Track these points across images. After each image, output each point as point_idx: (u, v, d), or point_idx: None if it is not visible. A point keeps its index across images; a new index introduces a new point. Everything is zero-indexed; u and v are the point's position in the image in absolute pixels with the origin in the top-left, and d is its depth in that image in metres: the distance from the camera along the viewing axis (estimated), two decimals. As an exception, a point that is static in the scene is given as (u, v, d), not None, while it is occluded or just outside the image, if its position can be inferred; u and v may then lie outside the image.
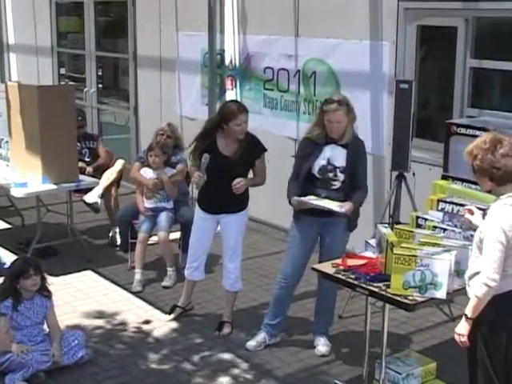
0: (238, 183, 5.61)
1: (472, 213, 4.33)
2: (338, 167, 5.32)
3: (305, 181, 5.40)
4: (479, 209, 4.57)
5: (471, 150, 3.98)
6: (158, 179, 7.09)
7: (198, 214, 5.96)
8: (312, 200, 5.28)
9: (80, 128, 8.13)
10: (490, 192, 4.14)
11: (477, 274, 3.95)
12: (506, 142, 3.93)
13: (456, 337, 4.01)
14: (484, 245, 3.89)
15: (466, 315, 3.95)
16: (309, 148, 5.43)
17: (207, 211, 5.89)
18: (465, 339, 3.97)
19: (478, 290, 3.86)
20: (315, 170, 5.36)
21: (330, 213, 5.25)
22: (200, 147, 5.79)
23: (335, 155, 5.34)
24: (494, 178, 3.92)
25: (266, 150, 5.85)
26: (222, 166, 5.65)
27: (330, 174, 5.34)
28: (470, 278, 4.03)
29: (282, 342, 5.78)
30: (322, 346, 5.62)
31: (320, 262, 5.31)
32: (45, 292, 5.40)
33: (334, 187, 5.35)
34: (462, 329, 3.97)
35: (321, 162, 5.35)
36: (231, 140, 5.71)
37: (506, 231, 3.83)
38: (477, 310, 3.90)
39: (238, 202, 5.75)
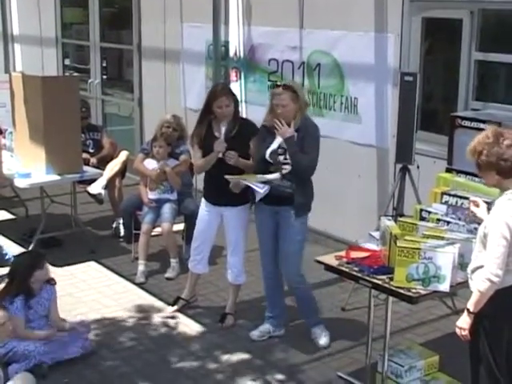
0: (230, 153, 5.57)
1: (477, 205, 4.32)
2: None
3: (260, 167, 5.42)
4: (484, 202, 4.57)
5: (474, 147, 3.97)
6: (161, 170, 7.08)
7: (203, 206, 5.98)
8: (243, 179, 5.38)
9: (84, 119, 8.13)
10: (494, 187, 4.12)
11: (479, 268, 3.95)
12: (508, 134, 3.95)
13: (457, 330, 4.02)
14: (488, 240, 3.89)
15: (467, 309, 3.96)
16: (263, 135, 5.48)
17: (210, 201, 5.89)
18: (466, 333, 3.98)
19: (480, 285, 3.86)
20: (267, 154, 5.38)
21: (279, 201, 5.32)
22: (197, 133, 5.82)
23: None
24: (502, 170, 3.90)
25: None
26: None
27: (281, 158, 5.33)
28: (473, 271, 4.04)
29: (286, 333, 5.79)
30: (320, 337, 5.63)
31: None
32: (50, 280, 5.43)
33: (285, 171, 5.31)
34: (464, 323, 3.98)
35: (273, 146, 5.37)
36: (224, 123, 5.74)
37: (510, 226, 3.82)
38: (479, 304, 3.90)
39: (240, 193, 5.74)
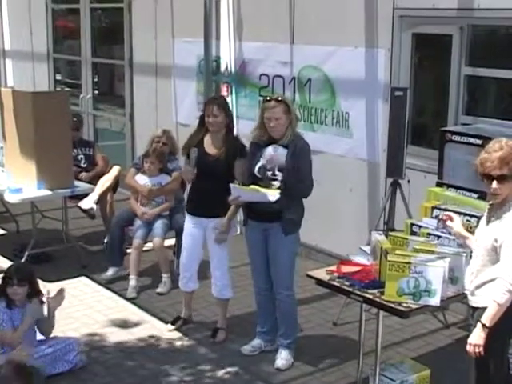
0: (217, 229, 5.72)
1: (452, 219, 4.34)
2: (277, 166, 5.32)
3: (248, 182, 5.41)
4: (474, 216, 4.59)
5: (505, 156, 3.87)
6: (153, 189, 7.12)
7: (187, 220, 5.97)
8: (244, 190, 5.34)
9: (75, 130, 8.17)
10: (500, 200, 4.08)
11: (488, 282, 3.93)
12: None
13: (470, 348, 3.94)
14: (503, 251, 3.85)
15: (483, 324, 3.88)
16: (253, 150, 5.48)
17: (194, 214, 5.88)
18: (481, 349, 3.90)
19: (500, 298, 3.82)
20: (255, 170, 5.38)
21: (268, 217, 5.30)
22: (188, 145, 5.85)
23: (275, 155, 5.34)
24: None
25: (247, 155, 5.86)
26: (204, 164, 5.67)
27: (269, 173, 5.33)
28: (479, 287, 4.00)
29: (277, 348, 5.77)
30: (280, 359, 5.54)
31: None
32: (35, 302, 5.38)
33: (274, 187, 5.29)
34: (479, 339, 3.90)
35: (261, 161, 5.38)
36: (215, 138, 5.75)
37: None
38: (496, 318, 3.85)
39: (220, 207, 5.71)
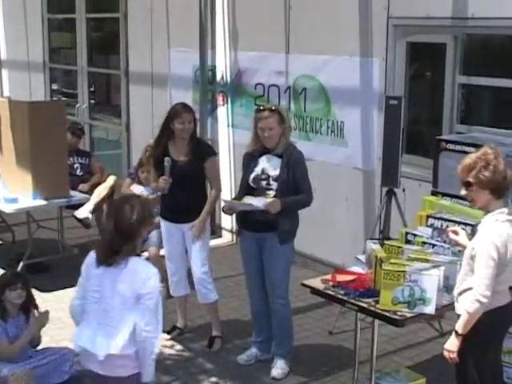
0: (194, 227, 5.72)
1: (456, 233, 4.34)
2: (271, 176, 5.33)
3: (244, 192, 5.43)
4: (468, 225, 4.60)
5: (473, 163, 3.95)
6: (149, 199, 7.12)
7: (163, 226, 5.99)
8: (238, 203, 5.36)
9: (78, 138, 8.24)
10: (480, 209, 4.13)
11: (467, 290, 3.96)
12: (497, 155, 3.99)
13: (445, 353, 4.03)
14: (476, 261, 3.90)
15: (456, 331, 3.96)
16: (247, 161, 5.50)
17: (170, 219, 5.90)
18: (455, 355, 3.97)
19: (469, 307, 3.88)
20: (250, 180, 5.40)
21: (263, 227, 5.29)
22: (154, 154, 5.90)
23: (270, 165, 5.36)
24: (499, 189, 3.93)
25: (215, 153, 5.94)
26: (175, 171, 5.68)
27: (263, 183, 5.34)
28: (460, 294, 4.04)
29: (272, 357, 5.77)
30: (275, 368, 5.53)
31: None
32: (30, 311, 5.36)
33: (269, 197, 5.31)
34: (452, 345, 3.98)
35: (256, 172, 5.39)
36: (181, 144, 5.76)
37: (498, 247, 3.84)
38: (467, 326, 3.91)
39: (197, 210, 5.75)
